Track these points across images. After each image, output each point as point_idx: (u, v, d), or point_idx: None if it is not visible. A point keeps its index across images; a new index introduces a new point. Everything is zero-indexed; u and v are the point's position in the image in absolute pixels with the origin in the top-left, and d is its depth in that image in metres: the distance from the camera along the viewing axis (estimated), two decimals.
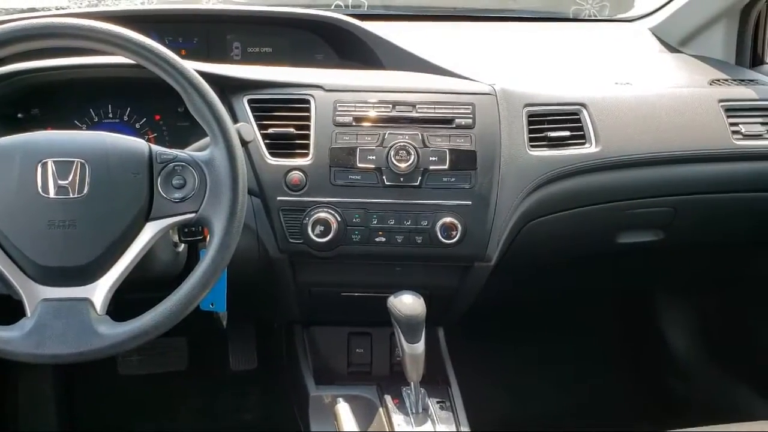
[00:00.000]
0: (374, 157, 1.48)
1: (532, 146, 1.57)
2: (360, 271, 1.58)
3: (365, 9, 2.10)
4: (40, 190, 1.18)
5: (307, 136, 1.50)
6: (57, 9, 1.88)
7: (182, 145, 1.32)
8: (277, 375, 2.08)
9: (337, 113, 1.50)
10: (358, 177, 1.48)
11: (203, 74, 1.26)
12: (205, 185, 1.21)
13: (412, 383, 1.47)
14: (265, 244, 1.52)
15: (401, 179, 1.48)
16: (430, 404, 1.50)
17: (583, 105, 1.64)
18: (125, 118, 1.60)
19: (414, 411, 1.48)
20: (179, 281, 1.21)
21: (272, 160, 1.49)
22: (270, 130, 1.50)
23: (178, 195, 1.21)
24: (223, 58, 1.79)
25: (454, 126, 1.51)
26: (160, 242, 1.26)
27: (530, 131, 1.58)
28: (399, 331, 1.43)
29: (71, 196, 1.18)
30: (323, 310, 1.69)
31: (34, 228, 1.17)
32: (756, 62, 2.06)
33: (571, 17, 2.24)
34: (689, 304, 2.39)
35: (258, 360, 2.25)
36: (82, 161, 1.19)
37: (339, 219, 1.47)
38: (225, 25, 1.83)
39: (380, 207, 1.49)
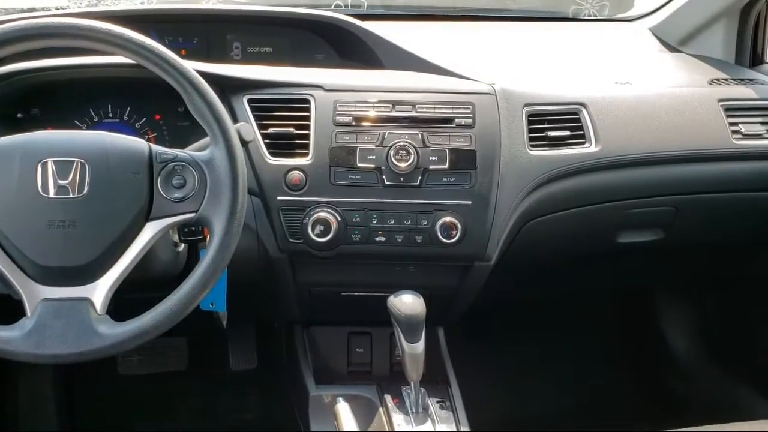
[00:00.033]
0: (374, 157, 1.48)
1: (531, 146, 1.57)
2: (360, 271, 1.58)
3: (365, 9, 2.10)
4: (40, 189, 1.18)
5: (307, 136, 1.50)
6: (57, 9, 1.88)
7: (182, 145, 1.32)
8: (277, 375, 2.08)
9: (337, 113, 1.50)
10: (358, 177, 1.48)
11: (203, 74, 1.26)
12: (205, 185, 1.21)
13: (412, 383, 1.47)
14: (265, 243, 1.52)
15: (401, 179, 1.48)
16: (430, 404, 1.50)
17: (582, 105, 1.64)
18: (125, 117, 1.60)
19: (414, 411, 1.48)
20: (179, 281, 1.21)
21: (272, 160, 1.49)
22: (270, 130, 1.50)
23: (178, 195, 1.21)
24: (223, 58, 1.79)
25: (454, 126, 1.51)
26: (160, 242, 1.26)
27: (530, 131, 1.58)
28: (399, 330, 1.43)
29: (71, 195, 1.18)
30: (323, 309, 1.69)
31: (34, 228, 1.17)
32: (756, 62, 2.06)
33: (570, 17, 2.24)
34: (689, 304, 2.39)
35: (258, 360, 2.25)
36: (82, 161, 1.19)
37: (339, 219, 1.47)
38: (225, 24, 1.83)
39: (380, 207, 1.49)
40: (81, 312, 1.17)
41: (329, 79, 1.55)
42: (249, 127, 1.33)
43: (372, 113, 1.51)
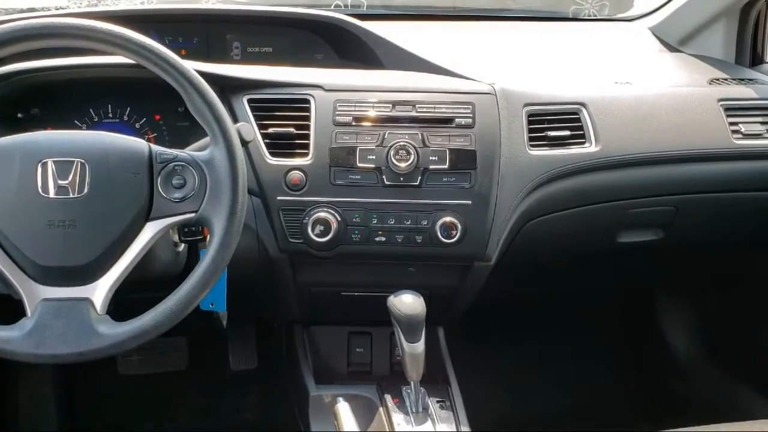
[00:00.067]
0: (374, 157, 1.48)
1: (531, 146, 1.57)
2: (360, 271, 1.58)
3: (364, 9, 2.10)
4: (40, 189, 1.18)
5: (307, 136, 1.50)
6: (56, 9, 1.88)
7: (182, 145, 1.32)
8: (277, 375, 2.08)
9: (337, 113, 1.50)
10: (358, 177, 1.48)
11: (203, 74, 1.26)
12: (205, 185, 1.21)
13: (412, 383, 1.47)
14: (265, 243, 1.52)
15: (401, 179, 1.48)
16: (430, 404, 1.50)
17: (582, 104, 1.64)
18: (125, 117, 1.60)
19: (414, 410, 1.48)
20: (179, 281, 1.21)
21: (272, 160, 1.49)
22: (270, 130, 1.50)
23: (178, 195, 1.21)
24: (223, 57, 1.79)
25: (454, 125, 1.51)
26: (160, 242, 1.26)
27: (530, 131, 1.58)
28: (399, 330, 1.43)
29: (71, 195, 1.18)
30: (323, 309, 1.69)
31: (34, 228, 1.17)
32: (755, 61, 2.06)
33: (570, 17, 2.24)
34: (689, 304, 2.39)
35: (258, 360, 2.25)
36: (82, 161, 1.19)
37: (339, 219, 1.47)
38: (225, 24, 1.83)
39: (380, 207, 1.49)
40: (81, 312, 1.17)
41: (329, 79, 1.55)
42: (249, 127, 1.33)
43: (372, 113, 1.51)
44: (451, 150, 1.49)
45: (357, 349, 1.73)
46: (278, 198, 1.48)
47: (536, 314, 2.38)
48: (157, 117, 1.61)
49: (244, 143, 1.27)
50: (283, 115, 1.51)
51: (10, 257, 1.18)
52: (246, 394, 2.28)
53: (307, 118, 1.51)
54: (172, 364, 2.25)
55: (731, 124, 1.73)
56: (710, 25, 2.05)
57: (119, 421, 2.19)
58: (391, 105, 1.52)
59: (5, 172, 1.19)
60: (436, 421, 1.48)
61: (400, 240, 1.50)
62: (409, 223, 1.49)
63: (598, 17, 2.24)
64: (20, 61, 1.48)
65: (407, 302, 1.43)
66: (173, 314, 1.18)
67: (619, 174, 1.65)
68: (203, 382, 2.29)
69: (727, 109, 1.74)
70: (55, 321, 1.16)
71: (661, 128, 1.68)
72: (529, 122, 1.59)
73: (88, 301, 1.18)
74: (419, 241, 1.50)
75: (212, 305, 1.46)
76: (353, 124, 1.50)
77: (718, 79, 1.86)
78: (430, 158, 1.48)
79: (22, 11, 1.88)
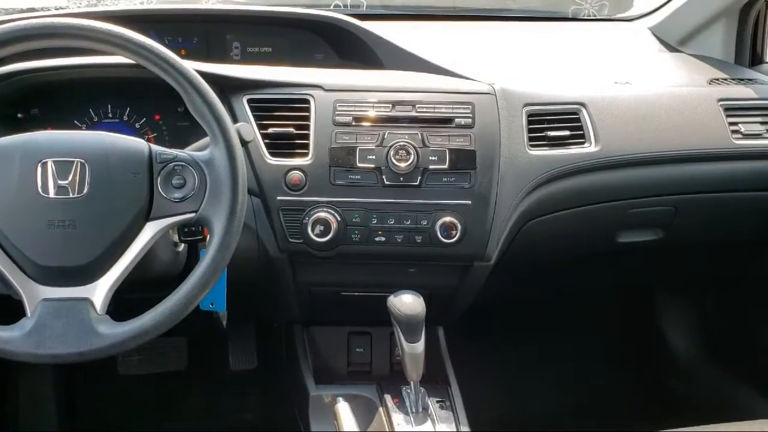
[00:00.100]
0: (374, 157, 1.48)
1: (531, 146, 1.57)
2: (360, 271, 1.58)
3: (364, 9, 2.10)
4: (39, 189, 1.18)
5: (306, 136, 1.50)
6: (56, 9, 1.88)
7: (182, 145, 1.32)
8: (277, 375, 2.08)
9: (337, 113, 1.50)
10: (358, 177, 1.48)
11: (203, 74, 1.26)
12: (205, 185, 1.21)
13: (411, 383, 1.47)
14: (265, 243, 1.52)
15: (401, 179, 1.48)
16: (429, 404, 1.50)
17: (582, 104, 1.64)
18: (125, 118, 1.60)
19: (414, 410, 1.48)
20: (179, 281, 1.21)
21: (272, 160, 1.49)
22: (270, 130, 1.50)
23: (177, 195, 1.21)
24: (223, 57, 1.79)
25: (453, 125, 1.51)
26: (160, 242, 1.26)
27: (530, 131, 1.58)
28: (399, 330, 1.43)
29: (71, 195, 1.18)
30: (323, 309, 1.69)
31: (33, 228, 1.17)
32: (755, 61, 2.06)
33: (570, 17, 2.24)
34: (689, 304, 2.39)
35: (258, 360, 2.25)
36: (82, 161, 1.19)
37: (339, 219, 1.47)
38: (224, 24, 1.83)
39: (380, 207, 1.49)
40: (81, 312, 1.17)
41: (329, 79, 1.55)
42: (249, 127, 1.33)
43: (372, 113, 1.51)
44: (450, 150, 1.49)
45: (357, 349, 1.73)
46: (278, 198, 1.48)
47: (536, 314, 2.38)
48: (157, 117, 1.61)
49: (244, 143, 1.27)
50: (283, 115, 1.51)
51: (10, 257, 1.18)
52: (246, 394, 2.28)
53: (307, 118, 1.51)
54: (172, 364, 2.25)
55: (731, 124, 1.73)
56: (710, 25, 2.06)
57: (119, 421, 2.19)
58: (390, 105, 1.52)
59: (5, 172, 1.19)
60: (435, 421, 1.48)
61: (399, 240, 1.50)
62: (408, 223, 1.49)
63: (598, 17, 2.24)
64: (20, 61, 1.48)
65: (407, 302, 1.43)
66: (173, 314, 1.18)
67: (619, 174, 1.65)
68: (203, 382, 2.29)
69: (726, 109, 1.74)
70: (55, 321, 1.16)
71: (661, 128, 1.68)
72: (529, 122, 1.59)
73: (88, 301, 1.18)
74: (419, 241, 1.50)
75: (212, 305, 1.46)
76: (353, 124, 1.50)
77: (717, 79, 1.86)
78: (430, 158, 1.48)
79: (21, 11, 1.88)
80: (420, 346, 1.44)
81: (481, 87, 1.57)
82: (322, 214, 1.47)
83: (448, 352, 1.72)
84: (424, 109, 1.51)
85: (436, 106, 1.52)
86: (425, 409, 1.49)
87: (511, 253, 1.62)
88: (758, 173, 1.77)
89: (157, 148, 1.24)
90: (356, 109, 1.51)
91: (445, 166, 1.49)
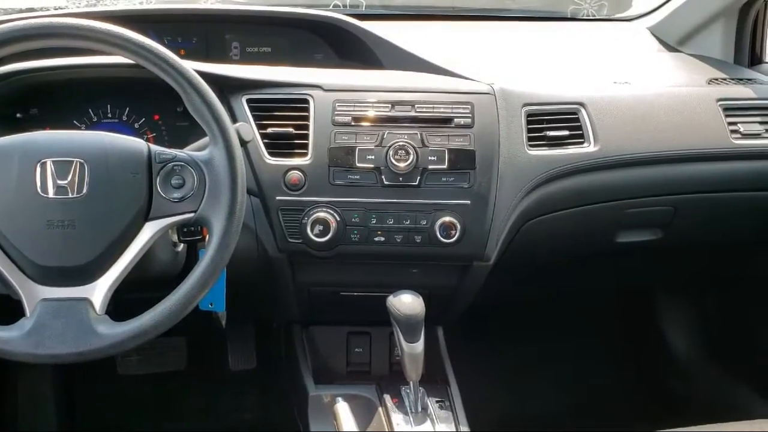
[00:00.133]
0: (373, 157, 1.48)
1: (530, 145, 1.57)
2: (359, 271, 1.58)
3: (363, 9, 2.10)
4: (39, 190, 1.18)
5: (306, 136, 1.50)
6: (55, 9, 1.88)
7: (181, 145, 1.32)
8: (276, 375, 2.08)
9: (336, 113, 1.50)
10: (357, 177, 1.48)
11: (202, 74, 1.26)
12: (204, 185, 1.21)
13: (411, 383, 1.47)
14: (264, 243, 1.52)
15: (400, 179, 1.48)
16: (429, 403, 1.50)
17: (581, 104, 1.64)
18: (124, 117, 1.60)
19: (413, 410, 1.48)
20: (178, 281, 1.21)
21: (271, 160, 1.49)
22: (269, 130, 1.50)
23: (177, 195, 1.21)
24: (222, 57, 1.79)
25: (453, 125, 1.51)
26: (159, 242, 1.26)
27: (529, 131, 1.58)
28: (398, 330, 1.43)
29: (70, 195, 1.18)
30: (322, 309, 1.69)
31: (33, 228, 1.17)
32: (754, 61, 2.06)
33: (569, 17, 2.24)
34: (689, 304, 2.39)
35: (257, 360, 2.25)
36: (81, 161, 1.19)
37: (338, 219, 1.47)
38: (224, 24, 1.83)
39: (379, 207, 1.49)
40: (80, 312, 1.17)
41: (328, 79, 1.55)
42: (248, 127, 1.33)
43: (371, 113, 1.51)
44: (450, 150, 1.49)
45: (356, 349, 1.73)
46: (277, 198, 1.48)
47: (535, 314, 2.38)
48: (156, 117, 1.61)
49: (243, 143, 1.27)
50: (282, 115, 1.51)
51: (9, 257, 1.17)
52: (245, 394, 2.28)
53: (306, 118, 1.51)
54: (171, 364, 2.25)
55: (730, 123, 1.73)
56: (709, 25, 2.06)
57: (118, 421, 2.19)
58: (390, 105, 1.52)
59: (4, 172, 1.19)
60: (435, 421, 1.48)
61: (399, 240, 1.50)
62: (408, 223, 1.49)
63: (597, 17, 2.24)
64: (19, 61, 1.48)
65: (406, 302, 1.43)
66: (172, 314, 1.18)
67: (618, 174, 1.65)
68: (202, 382, 2.29)
69: (725, 108, 1.74)
70: (55, 321, 1.16)
71: (660, 128, 1.68)
72: (528, 122, 1.59)
73: (87, 301, 1.18)
74: (418, 241, 1.50)
75: (211, 305, 1.46)
76: (352, 124, 1.50)
77: (716, 79, 1.86)
78: (429, 158, 1.48)
79: (20, 11, 1.88)
80: (419, 346, 1.44)
81: (481, 87, 1.57)
82: (322, 214, 1.47)
83: (448, 352, 1.72)
84: (424, 109, 1.51)
85: (436, 106, 1.52)
86: (424, 409, 1.49)
87: (510, 253, 1.62)
88: (757, 173, 1.77)
89: (156, 148, 1.24)
90: (355, 109, 1.51)
91: (445, 166, 1.49)
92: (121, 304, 1.26)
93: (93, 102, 1.59)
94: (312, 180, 1.48)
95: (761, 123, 1.77)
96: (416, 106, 1.51)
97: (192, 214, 1.21)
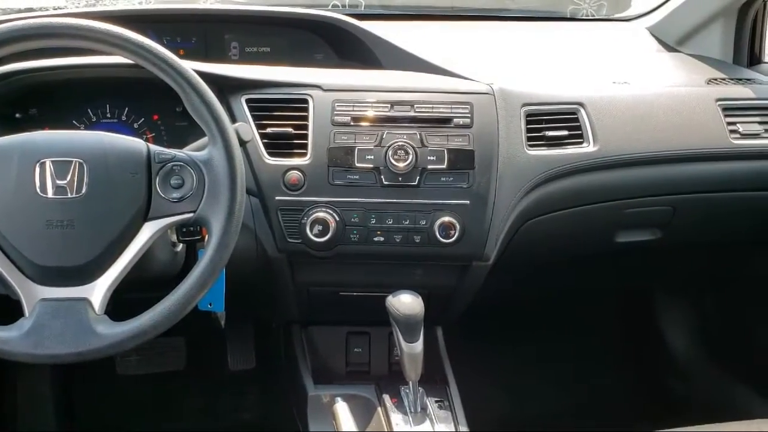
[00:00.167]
0: (372, 157, 1.48)
1: (530, 145, 1.57)
2: (358, 271, 1.58)
3: (362, 9, 2.10)
4: (38, 190, 1.18)
5: (305, 136, 1.50)
6: (54, 9, 1.88)
7: (180, 145, 1.32)
8: (275, 375, 2.08)
9: (336, 113, 1.50)
10: (357, 177, 1.48)
11: (201, 74, 1.26)
12: (204, 185, 1.21)
13: (410, 382, 1.47)
14: (263, 243, 1.52)
15: (399, 179, 1.48)
16: (428, 403, 1.50)
17: (580, 104, 1.64)
18: (123, 118, 1.60)
19: (412, 410, 1.48)
20: (177, 281, 1.21)
21: (270, 160, 1.49)
22: (268, 130, 1.50)
23: (176, 195, 1.21)
24: (221, 57, 1.79)
25: (452, 125, 1.51)
26: (158, 242, 1.26)
27: (528, 130, 1.58)
28: (397, 330, 1.43)
29: (69, 196, 1.18)
30: (322, 309, 1.69)
31: (32, 228, 1.17)
32: (753, 61, 2.06)
33: (568, 17, 2.24)
34: (688, 304, 2.40)
35: (256, 360, 2.25)
36: (81, 161, 1.19)
37: (337, 219, 1.47)
38: (223, 24, 1.83)
39: (378, 207, 1.49)
40: (79, 312, 1.17)
41: (327, 79, 1.55)
42: (247, 127, 1.33)
43: (370, 113, 1.51)
44: (449, 150, 1.49)
45: (355, 349, 1.73)
46: (276, 198, 1.48)
47: (535, 314, 2.38)
48: (156, 117, 1.61)
49: (243, 143, 1.27)
50: (282, 114, 1.51)
51: (8, 257, 1.17)
52: (244, 394, 2.28)
53: (306, 118, 1.51)
54: (171, 364, 2.25)
55: (729, 123, 1.74)
56: (708, 25, 2.06)
57: (118, 421, 2.19)
58: (389, 105, 1.52)
59: (3, 172, 1.19)
60: (434, 421, 1.48)
61: (398, 240, 1.50)
62: (407, 223, 1.49)
63: (596, 17, 2.24)
64: (18, 61, 1.48)
65: (406, 302, 1.43)
66: (172, 314, 1.18)
67: (617, 174, 1.65)
68: (202, 383, 2.29)
69: (725, 108, 1.75)
70: (54, 321, 1.16)
71: (659, 128, 1.68)
72: (527, 122, 1.59)
73: (86, 301, 1.18)
74: (418, 241, 1.50)
75: (210, 305, 1.45)
76: (351, 124, 1.50)
77: (716, 79, 1.86)
78: (429, 158, 1.48)
79: (20, 11, 1.88)
80: (419, 346, 1.44)
81: (480, 87, 1.57)
82: (321, 214, 1.47)
83: (447, 352, 1.72)
84: (423, 109, 1.51)
85: (435, 106, 1.52)
86: (424, 409, 1.49)
87: (509, 253, 1.62)
88: (756, 173, 1.77)
89: (155, 148, 1.24)
90: (355, 109, 1.51)
91: (444, 166, 1.49)
92: (121, 304, 1.26)
93: (92, 102, 1.59)
94: (311, 180, 1.48)
95: (760, 123, 1.77)
96: (415, 106, 1.51)
97: (191, 214, 1.21)
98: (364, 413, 1.52)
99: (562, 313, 2.40)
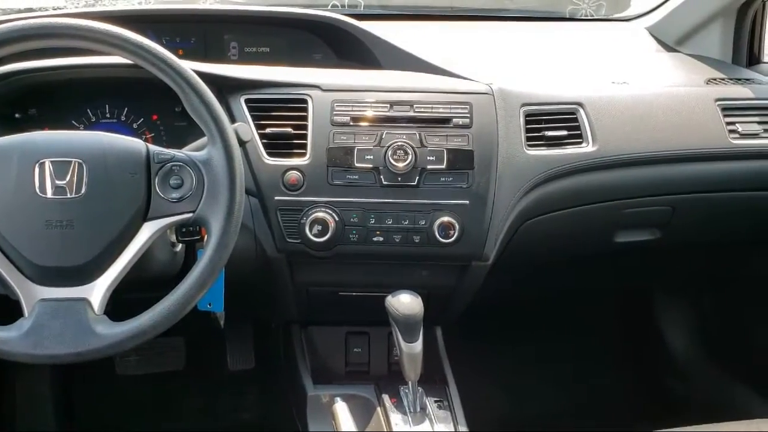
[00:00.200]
0: (372, 157, 1.48)
1: (529, 145, 1.57)
2: (358, 271, 1.58)
3: (361, 9, 2.10)
4: (37, 190, 1.18)
5: (304, 136, 1.50)
6: (54, 9, 1.88)
7: (180, 145, 1.32)
8: (274, 375, 2.08)
9: (335, 113, 1.50)
10: (356, 177, 1.48)
11: (200, 74, 1.26)
12: (203, 185, 1.21)
13: (410, 382, 1.47)
14: (262, 243, 1.52)
15: (399, 179, 1.48)
16: (427, 403, 1.50)
17: (580, 104, 1.64)
18: (123, 118, 1.60)
19: (412, 410, 1.48)
20: (177, 281, 1.21)
21: (270, 160, 1.49)
22: (267, 130, 1.50)
23: (175, 195, 1.21)
24: (221, 57, 1.79)
25: (451, 125, 1.51)
26: (157, 242, 1.26)
27: (527, 130, 1.58)
28: (397, 330, 1.43)
29: (69, 196, 1.18)
30: (321, 309, 1.69)
31: (31, 228, 1.17)
32: (753, 61, 2.06)
33: (567, 17, 2.25)
34: (687, 304, 2.40)
35: (256, 360, 2.25)
36: (80, 161, 1.19)
37: (337, 219, 1.47)
38: (222, 24, 1.83)
39: (378, 207, 1.49)
40: (79, 312, 1.17)
41: (327, 79, 1.55)
42: (246, 127, 1.33)
43: (370, 113, 1.51)
44: (448, 150, 1.49)
45: (355, 349, 1.73)
46: (276, 198, 1.48)
47: (534, 314, 2.38)
48: (155, 117, 1.61)
49: (242, 143, 1.27)
50: (281, 115, 1.51)
51: (8, 257, 1.17)
52: (244, 394, 2.28)
53: (305, 118, 1.51)
54: (170, 365, 2.25)
55: (728, 123, 1.74)
56: (707, 25, 2.06)
57: (117, 421, 2.19)
58: (388, 105, 1.52)
59: (3, 172, 1.19)
60: (433, 421, 1.48)
61: (397, 240, 1.50)
62: (406, 223, 1.49)
63: (595, 17, 2.24)
64: (18, 61, 1.48)
65: (405, 302, 1.43)
66: (171, 314, 1.18)
67: (616, 174, 1.65)
68: (201, 383, 2.29)
69: (724, 108, 1.75)
70: (53, 321, 1.16)
71: (658, 128, 1.68)
72: (527, 122, 1.59)
73: (85, 302, 1.18)
74: (417, 241, 1.50)
75: (210, 305, 1.45)
76: (351, 124, 1.50)
77: (715, 79, 1.86)
78: (428, 158, 1.48)
79: (19, 11, 1.88)
80: (418, 346, 1.44)
81: (479, 87, 1.57)
82: (320, 214, 1.47)
83: (446, 352, 1.73)
84: (422, 109, 1.51)
85: (434, 106, 1.52)
86: (423, 409, 1.49)
87: (508, 253, 1.62)
88: (755, 173, 1.77)
89: (154, 148, 1.24)
90: (354, 109, 1.51)
91: (443, 166, 1.49)
92: (120, 305, 1.26)
93: (91, 102, 1.59)
94: (310, 180, 1.48)
95: (759, 123, 1.77)
96: (415, 106, 1.51)
97: (190, 214, 1.21)
98: (363, 413, 1.52)
99: (561, 313, 2.40)
